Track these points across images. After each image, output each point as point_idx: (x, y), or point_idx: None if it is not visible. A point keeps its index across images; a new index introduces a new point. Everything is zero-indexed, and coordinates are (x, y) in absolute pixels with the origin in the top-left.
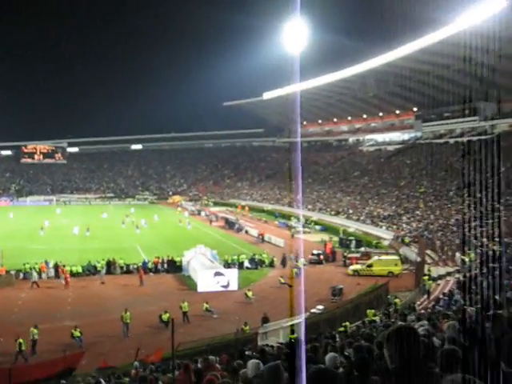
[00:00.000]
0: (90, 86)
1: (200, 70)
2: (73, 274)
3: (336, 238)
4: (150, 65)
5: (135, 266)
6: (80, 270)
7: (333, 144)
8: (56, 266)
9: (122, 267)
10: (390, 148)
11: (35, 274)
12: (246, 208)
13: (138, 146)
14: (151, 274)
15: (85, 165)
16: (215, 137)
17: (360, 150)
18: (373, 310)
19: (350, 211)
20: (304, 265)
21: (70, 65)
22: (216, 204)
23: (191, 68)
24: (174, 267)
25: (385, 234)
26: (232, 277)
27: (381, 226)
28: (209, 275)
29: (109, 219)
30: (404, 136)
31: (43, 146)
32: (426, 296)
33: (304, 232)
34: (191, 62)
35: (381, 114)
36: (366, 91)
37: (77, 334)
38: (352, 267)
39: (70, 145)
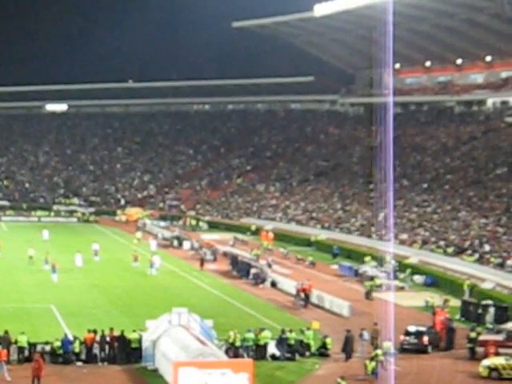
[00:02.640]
0: None
1: None
2: None
3: (456, 302)
4: None
5: (47, 349)
6: None
7: (454, 110)
8: None
9: (21, 349)
10: None
11: None
12: (270, 235)
13: (60, 107)
14: (79, 363)
15: None
16: (215, 91)
17: (509, 122)
18: None
19: (486, 247)
20: (391, 354)
21: None
22: (214, 226)
23: None
24: (126, 352)
25: None
26: (243, 375)
27: None
28: (196, 369)
29: None
30: None
31: None
32: None
33: (392, 288)
34: None
35: None
36: None
37: None
38: (487, 361)
39: None
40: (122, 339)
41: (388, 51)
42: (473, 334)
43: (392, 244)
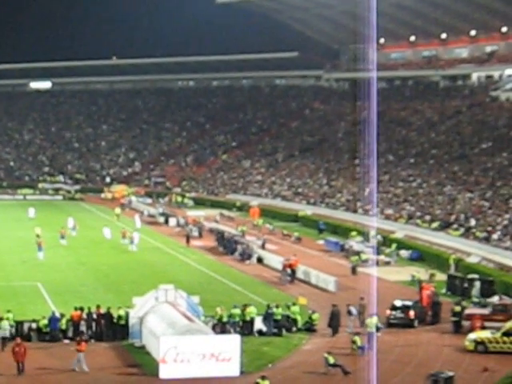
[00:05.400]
0: None
1: None
2: None
3: (442, 276)
4: None
5: (34, 327)
6: None
7: (439, 85)
8: None
9: (9, 327)
10: None
11: None
12: (256, 210)
13: (44, 84)
14: (66, 341)
15: None
16: (199, 67)
17: (494, 96)
18: None
19: (472, 222)
20: (377, 329)
21: None
22: (200, 203)
23: None
24: (113, 329)
25: None
26: (229, 350)
27: None
28: (182, 345)
29: None
30: None
31: None
32: None
33: (378, 262)
34: None
35: None
36: None
37: None
38: (473, 335)
39: None
40: (108, 316)
41: (372, 26)
42: (457, 308)
43: (376, 219)
